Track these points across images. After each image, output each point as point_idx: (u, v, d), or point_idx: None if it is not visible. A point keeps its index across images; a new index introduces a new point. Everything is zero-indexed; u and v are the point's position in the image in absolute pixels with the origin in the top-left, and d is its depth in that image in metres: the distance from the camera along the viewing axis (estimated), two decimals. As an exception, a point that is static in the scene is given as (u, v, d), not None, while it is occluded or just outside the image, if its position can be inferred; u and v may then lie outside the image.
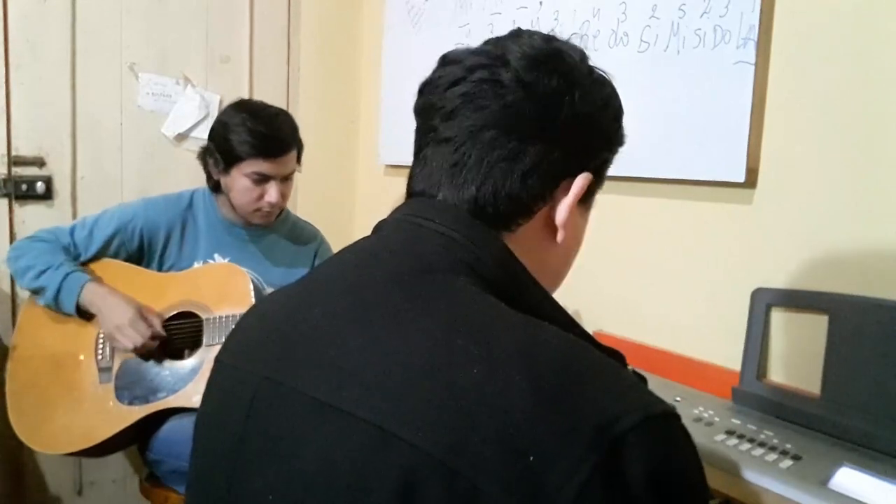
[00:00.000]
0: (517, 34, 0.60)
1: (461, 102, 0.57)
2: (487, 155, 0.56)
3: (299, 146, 1.52)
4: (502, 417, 0.42)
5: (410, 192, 0.61)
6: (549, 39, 0.60)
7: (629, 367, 0.54)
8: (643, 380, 0.53)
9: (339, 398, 0.47)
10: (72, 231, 1.49)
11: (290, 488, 0.48)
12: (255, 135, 1.41)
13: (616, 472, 0.40)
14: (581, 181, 0.58)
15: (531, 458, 0.40)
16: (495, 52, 0.58)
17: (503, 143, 0.56)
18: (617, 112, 0.63)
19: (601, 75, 0.62)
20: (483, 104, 0.56)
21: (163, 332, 1.43)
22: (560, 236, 0.59)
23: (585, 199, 0.62)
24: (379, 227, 0.61)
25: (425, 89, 0.61)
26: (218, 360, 0.63)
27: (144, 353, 1.42)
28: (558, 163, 0.57)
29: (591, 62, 0.62)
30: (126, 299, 1.42)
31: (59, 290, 1.40)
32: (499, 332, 0.47)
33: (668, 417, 0.44)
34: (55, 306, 1.42)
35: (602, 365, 0.47)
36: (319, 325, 0.53)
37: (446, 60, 0.60)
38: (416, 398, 0.44)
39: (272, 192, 1.46)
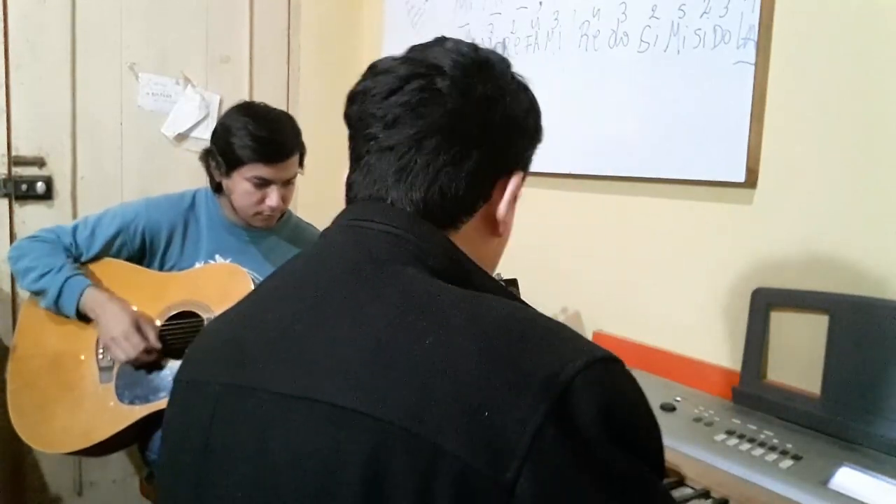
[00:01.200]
0: (442, 41, 0.63)
1: (402, 111, 0.59)
2: (433, 161, 0.58)
3: (301, 150, 1.52)
4: (455, 380, 0.45)
5: (351, 199, 0.64)
6: (476, 48, 0.63)
7: None
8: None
9: (301, 388, 0.49)
10: (74, 231, 1.48)
11: (260, 483, 0.49)
12: (257, 139, 1.41)
13: (567, 417, 0.43)
14: (516, 179, 0.63)
15: (486, 414, 0.43)
16: (427, 59, 0.60)
17: (446, 149, 0.58)
18: (539, 114, 0.67)
19: (523, 81, 0.66)
20: (424, 112, 0.59)
21: (157, 346, 1.42)
22: (501, 229, 0.64)
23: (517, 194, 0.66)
24: (324, 234, 0.64)
25: (357, 98, 0.63)
26: (176, 379, 0.64)
27: (140, 362, 1.41)
28: (496, 164, 0.61)
29: (514, 69, 0.66)
30: (123, 309, 1.41)
31: (59, 295, 1.40)
32: (446, 307, 0.50)
33: (610, 361, 0.47)
34: (56, 310, 1.42)
35: (544, 323, 0.51)
36: (274, 325, 0.55)
37: (376, 70, 0.62)
38: (374, 375, 0.47)
39: (273, 197, 1.46)
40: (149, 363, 1.42)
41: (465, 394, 0.44)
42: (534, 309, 0.53)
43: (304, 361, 0.51)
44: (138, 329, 1.40)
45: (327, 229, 0.64)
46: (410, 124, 0.59)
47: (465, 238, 0.60)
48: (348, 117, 0.65)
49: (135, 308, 1.44)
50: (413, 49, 0.63)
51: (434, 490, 0.42)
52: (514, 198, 0.63)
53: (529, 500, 0.41)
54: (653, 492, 0.46)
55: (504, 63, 0.64)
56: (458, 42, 0.63)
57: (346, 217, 0.62)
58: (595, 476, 0.43)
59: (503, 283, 0.61)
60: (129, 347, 1.38)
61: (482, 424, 0.43)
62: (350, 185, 0.64)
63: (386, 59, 0.63)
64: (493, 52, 0.64)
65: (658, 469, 0.48)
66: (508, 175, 0.62)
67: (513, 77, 0.64)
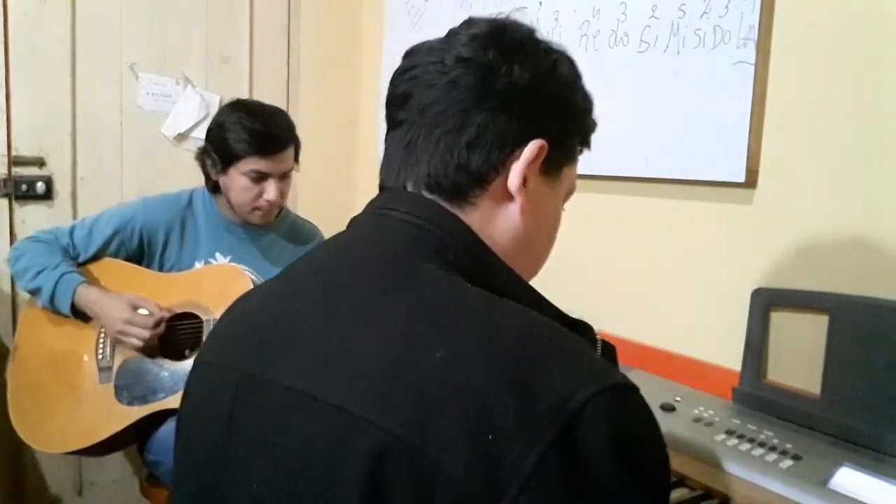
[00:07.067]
0: (469, 22, 0.62)
1: (412, 85, 0.60)
2: (434, 130, 0.58)
3: (296, 144, 1.52)
4: (463, 399, 0.44)
5: (380, 183, 0.64)
6: (495, 20, 0.61)
7: (598, 339, 0.55)
8: (612, 350, 0.54)
9: (313, 387, 0.49)
10: (71, 231, 1.49)
11: (272, 474, 0.50)
12: (252, 132, 1.41)
13: (572, 447, 0.41)
14: (532, 147, 0.58)
15: (490, 437, 0.42)
16: (446, 37, 0.61)
17: (448, 117, 0.58)
18: (567, 78, 0.62)
19: (548, 46, 0.62)
20: (430, 82, 0.59)
21: (165, 314, 1.43)
22: (518, 203, 0.59)
23: (549, 170, 0.61)
24: (351, 223, 0.64)
25: (389, 82, 0.64)
26: (197, 361, 0.65)
27: (153, 344, 1.42)
28: (504, 131, 0.58)
29: (539, 35, 0.62)
30: (118, 297, 1.42)
31: (53, 292, 1.40)
32: (460, 316, 0.49)
33: (621, 388, 0.45)
34: (51, 308, 1.42)
35: (559, 343, 0.49)
36: (293, 318, 0.56)
37: (406, 53, 0.63)
38: (383, 383, 0.46)
39: (270, 191, 1.46)
40: (155, 349, 1.43)
41: (471, 414, 0.43)
42: (551, 322, 0.51)
43: (318, 359, 0.51)
44: (139, 310, 1.41)
45: (356, 217, 0.63)
46: (418, 97, 0.59)
47: (484, 214, 0.59)
48: (384, 103, 0.65)
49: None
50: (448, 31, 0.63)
51: None
52: (527, 165, 0.58)
53: None
54: None
55: (521, 29, 0.61)
56: (482, 18, 0.61)
57: (373, 205, 0.62)
58: None
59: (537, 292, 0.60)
60: (138, 331, 1.39)
61: (485, 447, 0.42)
62: (380, 170, 0.64)
63: (420, 42, 0.63)
64: (512, 21, 0.61)
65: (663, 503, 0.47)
66: (525, 145, 0.58)
67: (534, 43, 0.61)
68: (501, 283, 0.56)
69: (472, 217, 0.58)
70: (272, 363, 0.54)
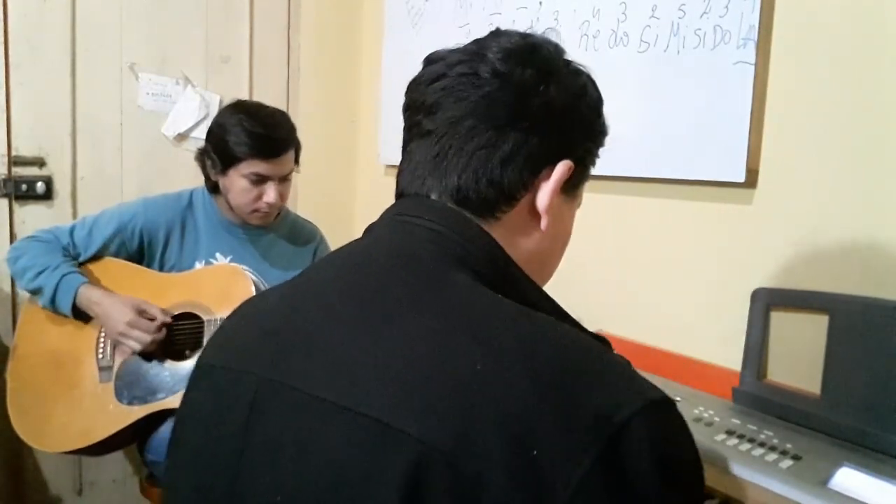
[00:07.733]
0: (497, 33, 0.62)
1: (442, 96, 0.59)
2: (467, 144, 0.57)
3: (297, 146, 1.52)
4: (506, 411, 0.43)
5: (400, 190, 0.63)
6: (526, 36, 0.61)
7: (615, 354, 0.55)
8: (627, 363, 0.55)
9: (343, 396, 0.48)
10: (71, 231, 1.48)
11: (299, 487, 0.48)
12: (253, 135, 1.41)
13: (617, 461, 0.41)
14: (561, 167, 0.59)
15: (535, 452, 0.41)
16: (475, 48, 0.60)
17: (481, 132, 0.57)
18: (595, 102, 0.64)
19: (577, 67, 0.63)
20: (462, 96, 0.58)
21: (167, 320, 1.43)
22: (543, 223, 0.60)
23: (570, 189, 0.62)
24: (370, 229, 0.63)
25: (410, 87, 0.63)
26: (203, 363, 0.62)
27: (152, 349, 1.41)
28: (537, 150, 0.58)
29: (567, 55, 0.63)
30: (121, 299, 1.41)
31: (55, 292, 1.40)
32: (497, 326, 0.48)
33: (664, 404, 0.46)
34: (52, 308, 1.42)
35: (598, 357, 0.49)
36: (317, 325, 0.54)
37: (430, 59, 0.62)
38: (421, 393, 0.45)
39: (270, 193, 1.46)
40: (155, 353, 1.43)
41: (514, 427, 0.42)
42: (586, 335, 0.52)
43: (344, 367, 0.49)
44: (142, 313, 1.40)
45: (373, 224, 0.63)
46: (449, 108, 0.58)
47: (509, 231, 0.59)
48: (403, 107, 0.64)
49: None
50: (472, 41, 0.62)
51: None
52: (558, 186, 0.59)
53: None
54: None
55: (553, 49, 0.61)
56: (511, 32, 0.62)
57: (392, 211, 0.61)
58: None
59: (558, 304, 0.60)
60: (140, 335, 1.38)
61: (529, 461, 0.41)
62: (398, 176, 0.63)
63: (444, 49, 0.62)
64: (543, 38, 0.62)
65: None
66: (555, 164, 0.59)
67: (566, 63, 0.62)
68: (525, 294, 0.55)
69: (495, 232, 0.58)
70: (296, 371, 0.52)
